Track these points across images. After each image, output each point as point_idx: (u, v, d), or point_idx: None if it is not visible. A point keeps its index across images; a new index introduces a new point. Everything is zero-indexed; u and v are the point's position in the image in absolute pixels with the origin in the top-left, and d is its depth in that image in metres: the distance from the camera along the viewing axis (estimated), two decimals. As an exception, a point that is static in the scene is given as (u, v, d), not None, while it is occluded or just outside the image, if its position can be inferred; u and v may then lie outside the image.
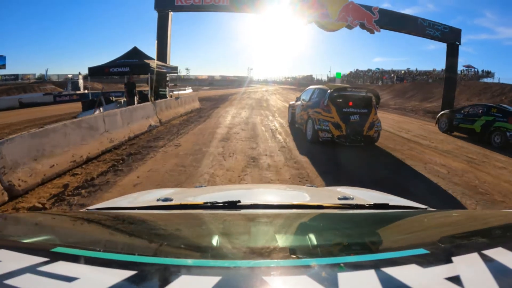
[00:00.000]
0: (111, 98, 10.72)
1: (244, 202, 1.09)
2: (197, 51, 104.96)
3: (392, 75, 28.25)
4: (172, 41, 13.90)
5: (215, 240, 0.77)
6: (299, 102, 7.21)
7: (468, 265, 0.56)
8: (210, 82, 35.39)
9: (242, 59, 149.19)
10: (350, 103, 6.17)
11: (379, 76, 27.95)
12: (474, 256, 0.59)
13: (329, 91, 6.20)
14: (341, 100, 6.01)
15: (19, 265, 0.52)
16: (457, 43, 15.38)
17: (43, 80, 30.35)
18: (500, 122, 7.14)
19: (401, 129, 8.08)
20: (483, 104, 7.87)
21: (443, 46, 16.40)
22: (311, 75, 38.41)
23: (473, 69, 22.13)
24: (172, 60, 13.33)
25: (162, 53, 11.64)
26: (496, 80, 20.61)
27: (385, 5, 55.51)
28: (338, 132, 5.83)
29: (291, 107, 7.89)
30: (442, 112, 8.71)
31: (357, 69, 32.91)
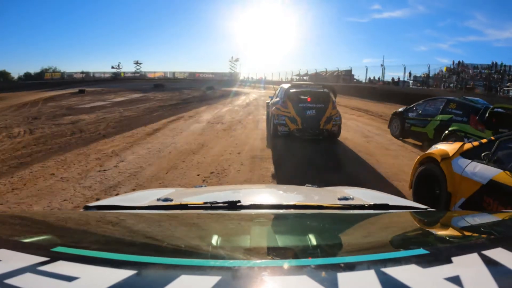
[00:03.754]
0: None
1: (244, 202, 1.18)
2: (159, 41, 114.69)
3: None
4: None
5: (215, 240, 0.79)
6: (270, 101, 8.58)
7: (468, 265, 0.56)
8: (157, 84, 33.48)
9: (224, 50, 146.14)
10: (308, 99, 7.43)
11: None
12: (474, 256, 0.59)
13: (286, 88, 7.75)
14: (298, 96, 7.45)
15: (19, 264, 0.53)
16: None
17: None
18: (457, 123, 5.97)
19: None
20: (441, 98, 6.95)
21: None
22: (349, 70, 30.03)
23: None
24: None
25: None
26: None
27: (375, 7, 75.57)
28: (294, 125, 7.20)
29: (267, 106, 9.76)
30: (396, 110, 8.14)
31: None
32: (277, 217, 1.13)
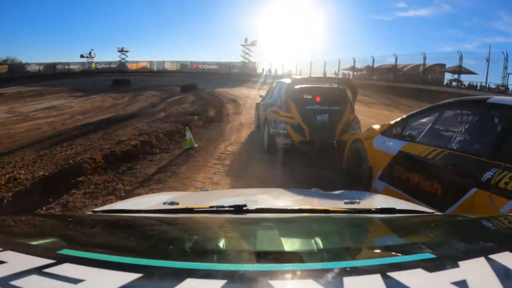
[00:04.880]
0: None
1: (250, 206, 1.26)
2: (151, 22, 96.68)
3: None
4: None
5: (220, 244, 0.85)
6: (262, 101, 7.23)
7: (474, 269, 0.61)
8: (119, 79, 29.35)
9: (236, 32, 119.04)
10: (318, 99, 5.85)
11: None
12: (481, 260, 0.63)
13: (287, 83, 6.14)
14: (304, 94, 5.94)
15: (26, 266, 0.58)
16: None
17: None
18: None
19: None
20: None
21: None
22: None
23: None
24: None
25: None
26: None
27: (400, 5, 79.39)
28: (300, 136, 5.66)
29: (257, 108, 8.12)
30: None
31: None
32: (283, 221, 1.16)
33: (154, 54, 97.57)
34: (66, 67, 42.24)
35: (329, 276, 0.57)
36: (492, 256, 0.64)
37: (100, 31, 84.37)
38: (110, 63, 43.36)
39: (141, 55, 76.08)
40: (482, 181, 2.28)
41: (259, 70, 37.29)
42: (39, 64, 42.16)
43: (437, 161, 2.89)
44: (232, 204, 1.27)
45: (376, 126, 4.31)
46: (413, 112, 3.81)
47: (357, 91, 6.46)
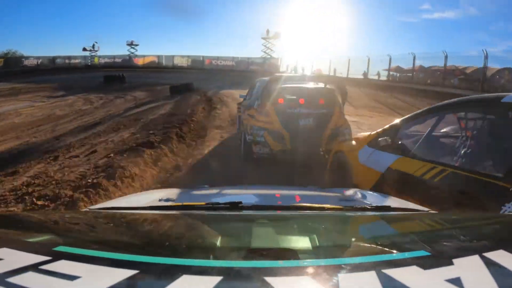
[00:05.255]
0: None
1: (245, 203, 1.31)
2: (164, 15, 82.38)
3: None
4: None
5: (216, 241, 0.89)
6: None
7: (469, 267, 0.63)
8: (111, 76, 26.78)
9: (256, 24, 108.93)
10: (301, 101, 5.38)
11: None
12: (475, 258, 0.65)
13: (266, 81, 5.79)
14: (285, 95, 5.48)
15: (22, 263, 0.59)
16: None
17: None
18: None
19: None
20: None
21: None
22: None
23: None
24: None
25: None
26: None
27: (425, 7, 77.07)
28: (279, 145, 5.21)
29: (239, 109, 7.70)
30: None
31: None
32: (278, 218, 1.23)
33: (164, 48, 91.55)
34: (67, 61, 41.21)
35: (325, 273, 0.60)
36: (486, 254, 0.66)
37: (106, 22, 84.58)
38: (114, 57, 42.13)
39: (150, 49, 73.97)
40: None
41: (283, 68, 33.87)
42: (38, 58, 41.66)
43: (437, 183, 2.38)
44: (228, 201, 1.32)
45: (363, 134, 3.81)
46: (405, 116, 3.25)
47: (347, 91, 6.05)
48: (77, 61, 41.21)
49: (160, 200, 1.59)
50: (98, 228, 1.11)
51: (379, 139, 3.16)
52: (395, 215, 1.38)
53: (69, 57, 41.69)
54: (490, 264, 0.62)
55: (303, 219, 1.24)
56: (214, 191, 2.12)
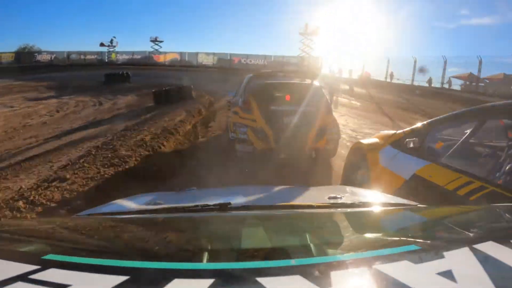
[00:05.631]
0: None
1: (235, 204, 1.38)
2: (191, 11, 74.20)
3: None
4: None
5: (207, 243, 0.93)
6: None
7: (459, 259, 0.66)
8: (112, 74, 24.10)
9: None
10: (286, 97, 5.53)
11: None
12: (466, 250, 0.69)
13: (250, 77, 6.13)
14: (269, 92, 5.68)
15: (10, 273, 0.60)
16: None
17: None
18: None
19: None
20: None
21: None
22: None
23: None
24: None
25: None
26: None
27: (463, 12, 76.09)
28: (263, 143, 5.31)
29: (229, 107, 7.96)
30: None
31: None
32: (268, 217, 1.28)
33: (188, 45, 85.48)
34: (82, 57, 40.39)
35: (316, 271, 0.61)
36: (476, 246, 0.69)
37: (127, 16, 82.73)
38: (133, 53, 41.37)
39: (174, 46, 68.64)
40: None
41: (324, 69, 30.38)
42: (51, 53, 40.94)
43: (475, 202, 2.07)
44: (217, 202, 1.37)
45: (387, 133, 3.55)
46: (439, 117, 2.93)
47: (333, 88, 6.25)
48: (93, 57, 40.72)
49: (148, 204, 1.67)
50: (87, 235, 1.12)
51: (406, 140, 2.91)
52: (384, 211, 1.46)
53: (85, 53, 41.68)
54: (481, 256, 0.66)
55: (292, 218, 1.30)
56: (202, 193, 2.18)
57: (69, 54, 40.49)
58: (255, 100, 5.43)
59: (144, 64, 36.62)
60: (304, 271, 0.60)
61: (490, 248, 0.69)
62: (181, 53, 39.86)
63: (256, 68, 32.79)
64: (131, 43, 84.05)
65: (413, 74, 25.41)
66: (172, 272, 0.61)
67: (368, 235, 1.01)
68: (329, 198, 1.59)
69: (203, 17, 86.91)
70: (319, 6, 78.75)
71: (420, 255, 0.67)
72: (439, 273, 0.59)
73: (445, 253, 0.67)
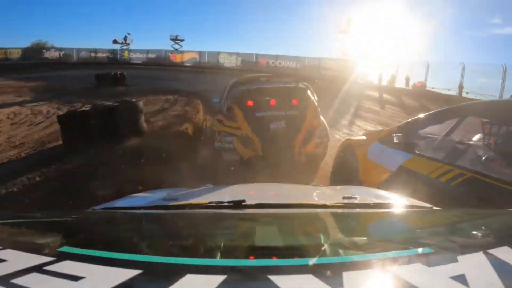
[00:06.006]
0: None
1: (249, 201, 1.41)
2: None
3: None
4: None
5: (220, 239, 0.97)
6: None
7: (473, 264, 0.66)
8: (103, 75, 20.23)
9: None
10: (271, 102, 5.47)
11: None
12: (480, 255, 0.69)
13: (232, 82, 6.24)
14: (253, 97, 5.60)
15: (26, 264, 0.63)
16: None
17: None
18: None
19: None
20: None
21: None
22: None
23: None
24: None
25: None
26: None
27: (495, 21, 70.30)
28: (250, 151, 5.32)
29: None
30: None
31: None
32: (282, 216, 1.31)
33: (209, 43, 79.18)
34: (93, 54, 37.95)
35: (329, 271, 0.63)
36: (491, 251, 0.70)
37: (142, 10, 74.12)
38: (147, 51, 37.78)
39: (193, 43, 61.74)
40: None
41: (372, 76, 26.86)
42: (60, 50, 38.74)
43: (456, 187, 2.42)
44: (231, 199, 1.44)
45: (374, 130, 4.43)
46: (422, 115, 3.38)
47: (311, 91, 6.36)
48: (104, 55, 38.59)
49: (163, 199, 1.73)
50: (102, 228, 1.17)
51: (393, 135, 3.32)
52: (398, 212, 1.50)
53: (95, 50, 39.77)
54: (495, 261, 0.66)
55: (306, 217, 1.32)
56: (217, 189, 2.22)
57: (78, 51, 38.56)
58: (239, 107, 5.40)
59: (159, 64, 34.01)
60: (316, 271, 0.62)
61: (505, 253, 0.70)
62: (200, 53, 36.27)
63: (286, 71, 29.46)
64: (147, 41, 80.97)
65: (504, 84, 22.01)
66: (185, 267, 0.63)
67: (382, 237, 1.04)
68: (344, 198, 1.62)
69: (226, 12, 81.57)
70: (361, 3, 72.77)
71: (433, 258, 0.69)
72: (452, 277, 0.60)
73: (458, 257, 0.68)
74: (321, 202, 1.62)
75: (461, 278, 0.59)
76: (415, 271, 0.62)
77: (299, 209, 1.46)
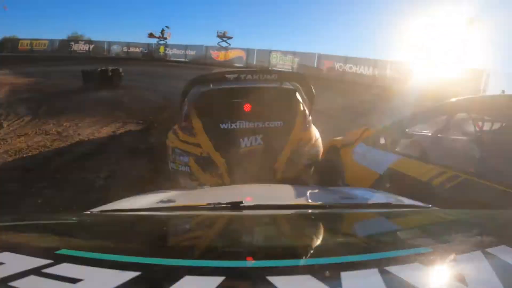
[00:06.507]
0: None
1: (246, 203, 1.45)
2: None
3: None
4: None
5: (218, 241, 1.01)
6: None
7: (471, 263, 0.68)
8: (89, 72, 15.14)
9: None
10: (247, 107, 4.06)
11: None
12: (478, 254, 0.70)
13: (190, 81, 4.63)
14: (220, 103, 4.28)
15: (24, 267, 0.64)
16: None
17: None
18: None
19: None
20: None
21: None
22: None
23: None
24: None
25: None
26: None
27: None
28: (211, 177, 4.06)
29: None
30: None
31: None
32: (279, 217, 1.31)
33: (258, 39, 70.54)
34: (125, 48, 34.17)
35: (327, 271, 0.65)
36: (489, 250, 0.71)
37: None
38: (186, 47, 33.13)
39: (239, 39, 53.34)
40: None
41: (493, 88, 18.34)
42: (90, 42, 35.75)
43: (448, 190, 2.34)
44: (229, 201, 1.41)
45: (358, 130, 3.85)
46: (410, 114, 3.30)
47: (313, 92, 4.56)
48: (137, 49, 35.34)
49: (161, 201, 1.71)
50: (100, 231, 1.21)
51: (380, 135, 3.31)
52: (396, 212, 1.50)
53: (128, 44, 36.72)
54: (493, 260, 0.67)
55: (304, 217, 1.33)
56: (214, 191, 2.29)
57: (109, 44, 35.64)
58: (199, 116, 4.12)
59: (197, 62, 29.37)
60: (314, 271, 0.63)
61: (503, 252, 0.70)
62: (247, 51, 30.86)
63: (362, 81, 21.36)
64: (185, 35, 74.44)
65: None
66: (183, 269, 0.64)
67: (380, 236, 1.05)
68: (342, 198, 1.64)
69: (280, 3, 68.52)
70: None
71: (432, 258, 0.69)
72: (450, 276, 0.61)
73: (457, 256, 0.69)
74: (319, 202, 1.61)
75: (459, 277, 0.59)
76: (413, 271, 0.63)
77: (296, 210, 1.49)
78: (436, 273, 0.63)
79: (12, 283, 0.56)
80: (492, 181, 1.98)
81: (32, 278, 0.59)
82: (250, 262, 0.69)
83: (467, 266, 0.64)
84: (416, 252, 0.70)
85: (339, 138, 4.02)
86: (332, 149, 3.77)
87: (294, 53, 28.28)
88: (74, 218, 1.44)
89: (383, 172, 2.73)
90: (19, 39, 35.83)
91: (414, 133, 3.05)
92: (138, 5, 72.27)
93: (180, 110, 4.67)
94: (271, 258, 0.74)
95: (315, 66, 25.47)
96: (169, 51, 34.29)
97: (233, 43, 34.29)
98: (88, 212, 1.56)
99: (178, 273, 0.60)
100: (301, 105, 4.33)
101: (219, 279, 0.56)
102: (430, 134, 2.91)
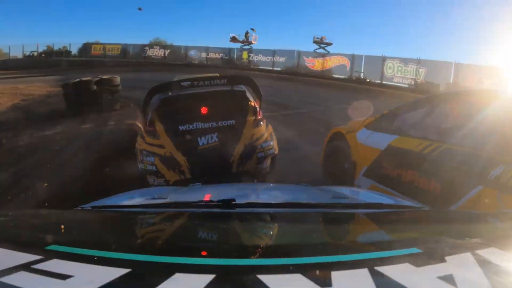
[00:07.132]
0: None
1: (238, 201, 1.49)
2: None
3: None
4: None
5: (209, 239, 1.06)
6: None
7: (461, 264, 0.71)
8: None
9: None
10: (203, 110, 5.03)
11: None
12: (467, 255, 0.73)
13: (151, 89, 5.65)
14: (176, 107, 5.26)
15: (13, 263, 0.68)
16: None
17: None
18: None
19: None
20: None
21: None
22: None
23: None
24: None
25: None
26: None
27: None
28: (175, 174, 4.96)
29: None
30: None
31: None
32: (271, 215, 1.35)
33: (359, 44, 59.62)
34: (204, 54, 31.11)
35: (317, 270, 0.69)
36: (478, 252, 0.73)
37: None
38: (274, 52, 28.85)
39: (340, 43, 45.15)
40: (489, 179, 2.67)
41: None
42: (165, 47, 33.41)
43: (435, 156, 3.39)
44: (221, 198, 1.43)
45: (358, 120, 5.08)
46: (403, 104, 4.70)
47: (261, 93, 5.60)
48: (217, 55, 32.65)
49: (152, 198, 1.73)
50: (90, 227, 1.26)
51: (380, 120, 4.43)
52: (387, 213, 1.56)
53: (207, 49, 34.75)
54: (482, 262, 0.70)
55: (296, 216, 1.35)
56: (206, 188, 2.30)
57: (187, 49, 34.00)
58: (160, 120, 4.92)
59: (288, 73, 25.43)
60: (305, 270, 0.67)
61: (492, 254, 0.72)
62: (353, 57, 24.32)
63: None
64: (273, 40, 65.08)
65: None
66: (174, 266, 0.66)
67: (371, 237, 1.08)
68: (334, 198, 1.67)
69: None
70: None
71: (421, 258, 0.71)
72: (440, 277, 0.63)
73: (447, 257, 0.70)
74: (311, 201, 1.64)
75: (449, 278, 0.61)
76: (403, 271, 0.65)
77: (288, 209, 1.52)
78: (426, 273, 0.63)
79: (2, 279, 0.57)
80: (466, 146, 2.86)
81: (22, 273, 0.60)
82: (241, 260, 0.70)
83: (456, 267, 0.65)
84: (406, 253, 0.71)
85: (343, 126, 4.76)
86: (338, 135, 4.48)
87: (418, 62, 20.65)
88: (64, 214, 1.52)
89: (384, 148, 3.64)
90: (92, 44, 34.88)
91: (409, 118, 3.79)
92: (219, 4, 65.76)
93: (144, 116, 5.21)
94: (262, 257, 0.76)
95: (451, 81, 18.15)
96: (254, 58, 30.22)
97: (332, 50, 28.43)
98: (79, 208, 1.64)
99: (169, 270, 0.60)
100: (251, 103, 4.90)
101: (210, 277, 0.57)
102: (421, 119, 3.70)
